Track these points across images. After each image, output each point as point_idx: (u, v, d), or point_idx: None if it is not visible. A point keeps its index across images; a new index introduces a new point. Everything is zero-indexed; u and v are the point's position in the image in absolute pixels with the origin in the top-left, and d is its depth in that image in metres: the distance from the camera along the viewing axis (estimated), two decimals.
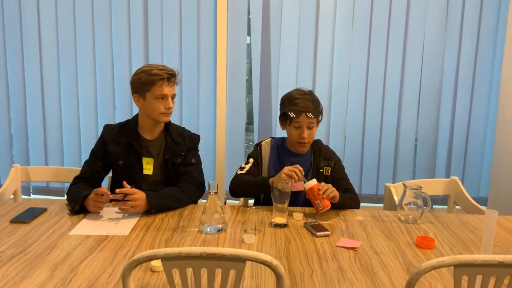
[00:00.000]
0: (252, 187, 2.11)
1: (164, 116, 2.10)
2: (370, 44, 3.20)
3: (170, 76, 2.06)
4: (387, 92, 3.27)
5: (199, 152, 2.27)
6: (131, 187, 1.93)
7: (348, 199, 2.08)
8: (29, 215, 1.90)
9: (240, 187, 2.14)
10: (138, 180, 2.11)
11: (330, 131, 3.31)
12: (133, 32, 3.24)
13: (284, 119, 2.15)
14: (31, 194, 3.48)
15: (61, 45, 3.28)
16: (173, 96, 2.10)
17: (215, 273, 1.15)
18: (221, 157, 3.31)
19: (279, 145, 2.25)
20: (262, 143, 2.26)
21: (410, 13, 3.16)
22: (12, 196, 2.42)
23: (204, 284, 1.18)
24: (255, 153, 2.25)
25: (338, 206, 2.02)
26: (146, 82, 2.04)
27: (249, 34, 3.26)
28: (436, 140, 3.33)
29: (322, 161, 2.20)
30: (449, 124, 3.30)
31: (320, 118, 2.16)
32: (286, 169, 1.94)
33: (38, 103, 3.36)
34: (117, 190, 1.90)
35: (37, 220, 1.87)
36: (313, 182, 1.95)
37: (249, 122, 3.52)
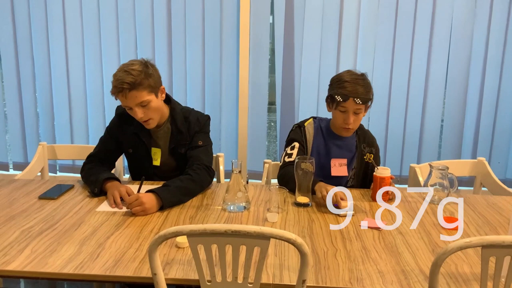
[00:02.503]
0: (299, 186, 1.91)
1: (144, 124, 1.98)
2: (396, 21, 3.13)
3: (122, 89, 1.85)
4: (413, 72, 3.20)
5: (209, 134, 2.15)
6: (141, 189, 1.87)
7: None
8: (56, 192, 1.93)
9: (288, 181, 1.96)
10: (149, 170, 2.09)
11: None
12: (155, 12, 3.24)
13: (331, 101, 2.01)
14: (57, 172, 3.56)
15: (86, 25, 3.30)
16: (142, 104, 1.89)
17: (239, 249, 1.16)
18: (243, 137, 3.32)
19: (323, 127, 2.13)
20: (305, 124, 2.14)
21: None
22: (39, 174, 2.47)
23: (228, 260, 1.19)
24: (299, 135, 2.11)
25: None
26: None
27: (272, 13, 3.22)
28: (463, 121, 3.26)
29: (366, 147, 2.14)
30: (477, 105, 3.23)
31: (369, 104, 2.01)
32: (331, 191, 1.79)
33: (64, 82, 3.40)
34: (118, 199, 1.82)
35: (64, 196, 1.91)
36: (388, 172, 1.88)
37: (271, 102, 3.51)
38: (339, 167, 1.92)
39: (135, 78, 1.85)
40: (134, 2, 3.24)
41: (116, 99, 1.93)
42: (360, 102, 1.94)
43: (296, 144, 2.09)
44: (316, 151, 2.10)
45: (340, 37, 3.18)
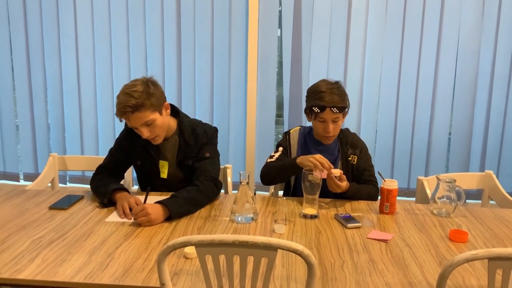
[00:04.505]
0: (281, 169, 2.10)
1: (151, 141, 2.00)
2: (403, 36, 3.16)
3: (125, 112, 1.87)
4: (420, 85, 3.22)
5: (217, 146, 2.16)
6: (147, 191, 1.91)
7: (361, 192, 2.07)
8: (66, 202, 1.96)
9: (270, 171, 2.14)
10: (157, 182, 2.12)
11: (361, 124, 3.29)
12: (165, 25, 3.29)
13: (310, 112, 2.10)
14: (67, 182, 3.59)
15: (97, 38, 3.36)
16: (147, 123, 1.91)
17: (247, 260, 1.17)
18: (251, 149, 3.33)
19: (306, 133, 2.24)
20: (291, 131, 2.26)
21: (445, 4, 3.09)
22: (49, 184, 2.50)
23: (236, 271, 1.20)
24: (284, 141, 2.25)
25: (347, 197, 2.04)
26: None
27: (280, 27, 3.26)
28: (471, 134, 3.26)
29: (349, 149, 2.18)
30: (484, 118, 3.23)
31: (346, 110, 2.11)
32: (318, 157, 1.91)
33: (74, 94, 3.46)
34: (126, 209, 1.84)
35: (74, 207, 1.93)
36: (395, 184, 1.92)
37: (279, 114, 3.53)
38: (320, 171, 1.95)
39: (137, 100, 1.87)
40: (144, 14, 3.29)
41: (121, 121, 1.96)
42: (337, 111, 2.04)
43: (280, 148, 2.23)
44: (300, 155, 2.17)
45: (347, 50, 3.21)
